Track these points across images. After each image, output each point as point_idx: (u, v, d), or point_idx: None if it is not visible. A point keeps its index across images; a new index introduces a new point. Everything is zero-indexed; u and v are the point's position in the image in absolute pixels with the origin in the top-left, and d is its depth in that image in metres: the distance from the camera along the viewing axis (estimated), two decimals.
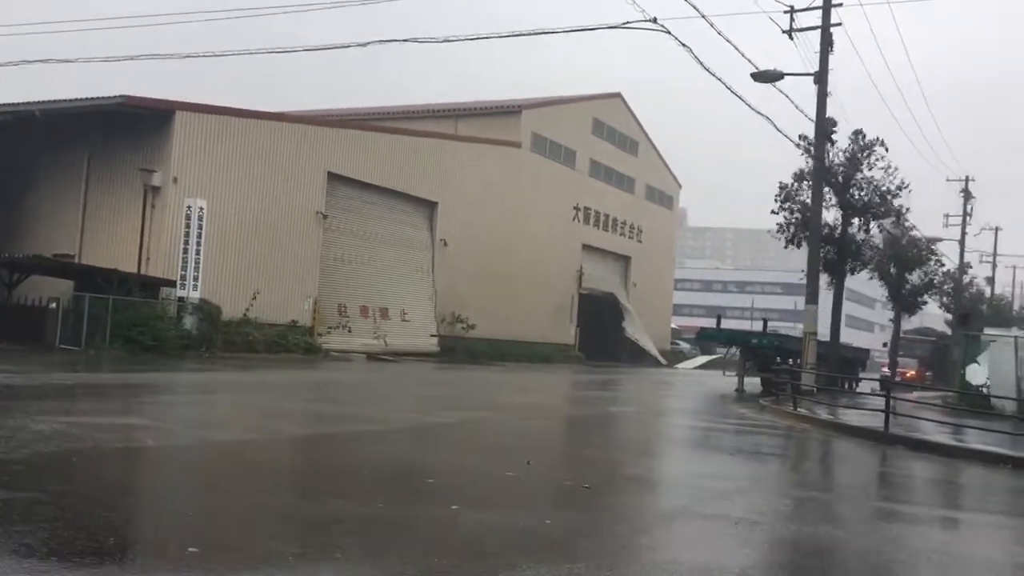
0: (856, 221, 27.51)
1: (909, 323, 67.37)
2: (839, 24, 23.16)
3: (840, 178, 26.60)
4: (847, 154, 27.19)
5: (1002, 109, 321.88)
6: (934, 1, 34.08)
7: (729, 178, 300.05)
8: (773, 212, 27.93)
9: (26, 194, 29.39)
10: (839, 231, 27.19)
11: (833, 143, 24.34)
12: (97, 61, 28.95)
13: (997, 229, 62.04)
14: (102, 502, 5.82)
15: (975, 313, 47.88)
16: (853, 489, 10.07)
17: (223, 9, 54.16)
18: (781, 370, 19.82)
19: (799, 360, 23.19)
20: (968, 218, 49.60)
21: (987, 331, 22.09)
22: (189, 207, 26.76)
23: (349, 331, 33.56)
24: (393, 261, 36.70)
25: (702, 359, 61.66)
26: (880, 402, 20.85)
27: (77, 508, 5.59)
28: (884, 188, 27.22)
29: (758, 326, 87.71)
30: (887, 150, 26.84)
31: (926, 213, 43.82)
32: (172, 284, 26.61)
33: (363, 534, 5.59)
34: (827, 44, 22.57)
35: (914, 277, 33.30)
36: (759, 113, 20.46)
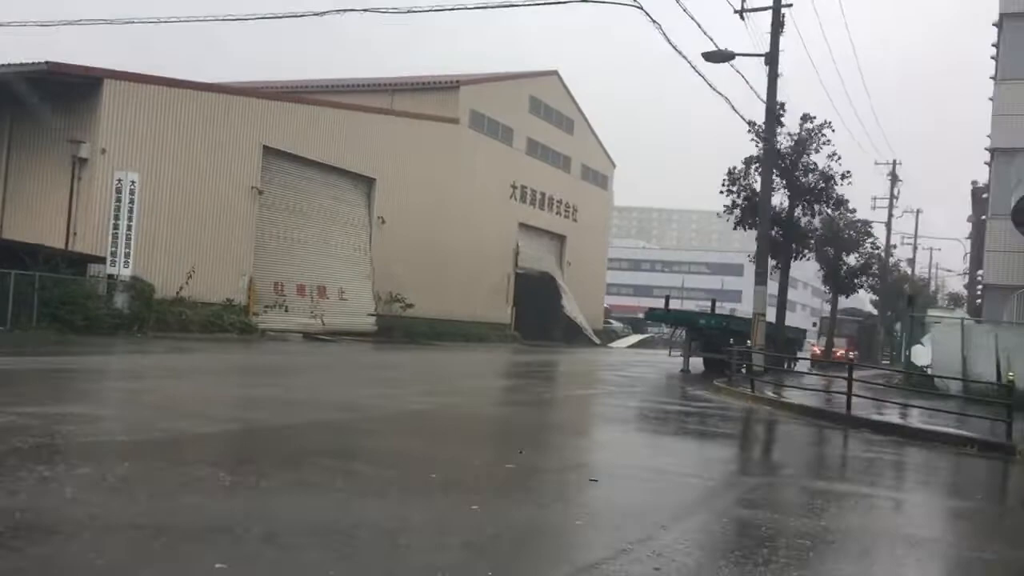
0: (802, 205, 27.68)
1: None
2: (790, 4, 23.11)
3: (787, 162, 26.71)
4: (794, 138, 27.32)
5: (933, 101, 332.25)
6: None
7: (666, 157, 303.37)
8: (721, 193, 27.94)
9: None
10: (785, 214, 27.32)
11: (782, 125, 24.37)
12: (32, 25, 27.31)
13: (918, 211, 63.83)
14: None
15: (902, 293, 48.97)
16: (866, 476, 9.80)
17: None
18: (734, 351, 19.77)
19: (747, 341, 23.22)
20: (895, 200, 50.66)
21: (931, 313, 22.42)
22: (119, 180, 25.51)
23: (286, 310, 32.65)
24: (331, 238, 35.77)
25: (635, 338, 62.10)
26: (827, 382, 21.15)
27: None
28: (830, 173, 27.47)
29: (689, 305, 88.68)
30: (834, 130, 27.04)
31: (855, 196, 44.65)
32: (102, 261, 25.37)
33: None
34: (778, 25, 22.47)
35: (851, 259, 33.81)
36: (718, 92, 20.29)
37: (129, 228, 25.56)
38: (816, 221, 28.29)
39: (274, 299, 32.61)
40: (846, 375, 15.20)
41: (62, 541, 4.44)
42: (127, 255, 25.55)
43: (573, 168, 55.50)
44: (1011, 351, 18.16)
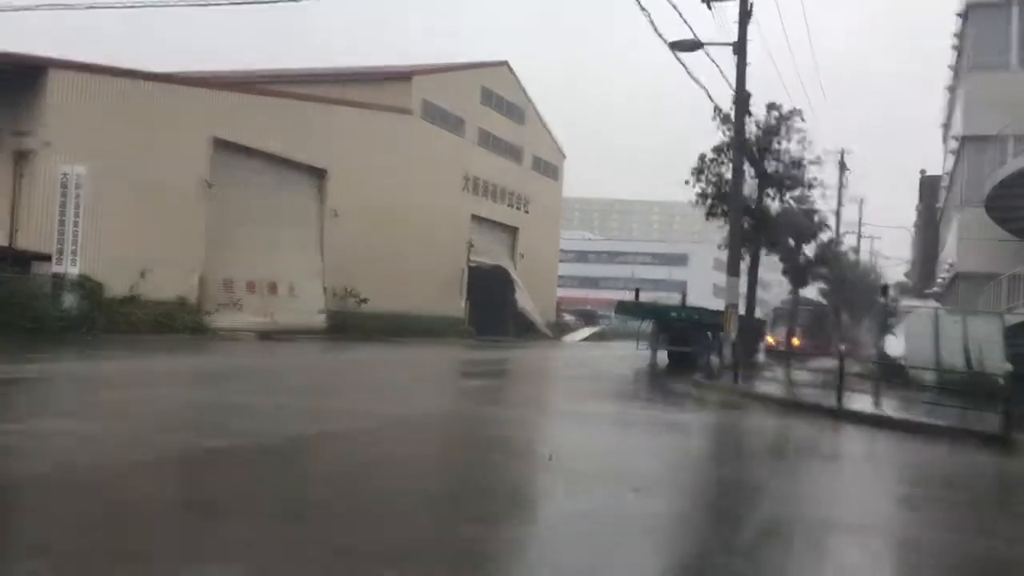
0: (771, 193, 27.65)
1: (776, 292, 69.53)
2: None
3: (755, 149, 26.60)
4: (761, 127, 27.23)
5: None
6: None
7: (621, 149, 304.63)
8: (687, 183, 27.74)
9: None
10: (756, 204, 27.22)
11: (750, 115, 24.22)
12: None
13: (861, 201, 64.93)
14: None
15: (851, 283, 49.54)
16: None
17: None
18: (712, 346, 19.58)
19: (720, 333, 23.05)
20: (843, 190, 51.19)
21: (903, 303, 22.49)
22: (65, 174, 24.45)
23: (240, 308, 31.71)
24: (281, 233, 34.77)
25: (587, 331, 61.97)
26: (803, 375, 21.08)
27: None
28: (800, 160, 27.51)
29: (631, 296, 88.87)
30: (804, 120, 27.07)
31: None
32: (47, 259, 24.32)
33: None
34: (746, 14, 22.24)
35: (809, 249, 33.94)
36: (696, 81, 20.00)
37: (76, 224, 24.54)
38: (776, 206, 28.20)
39: (227, 297, 31.66)
40: (817, 366, 15.02)
41: None
42: (74, 252, 24.55)
43: (524, 159, 55.12)
44: (980, 340, 18.20)
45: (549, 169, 59.17)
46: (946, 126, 36.15)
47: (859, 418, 13.46)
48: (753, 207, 26.60)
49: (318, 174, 36.56)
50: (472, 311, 48.15)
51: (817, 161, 28.02)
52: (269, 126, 33.37)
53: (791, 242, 31.18)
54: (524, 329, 52.74)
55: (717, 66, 20.42)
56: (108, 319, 25.06)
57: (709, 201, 26.80)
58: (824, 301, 53.87)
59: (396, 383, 16.87)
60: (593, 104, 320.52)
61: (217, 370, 17.02)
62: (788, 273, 35.09)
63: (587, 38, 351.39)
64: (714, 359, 26.95)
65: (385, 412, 11.14)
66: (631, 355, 31.05)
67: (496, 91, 50.85)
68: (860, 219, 65.20)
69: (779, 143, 27.19)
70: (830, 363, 28.65)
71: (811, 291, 68.13)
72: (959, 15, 25.47)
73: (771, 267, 44.87)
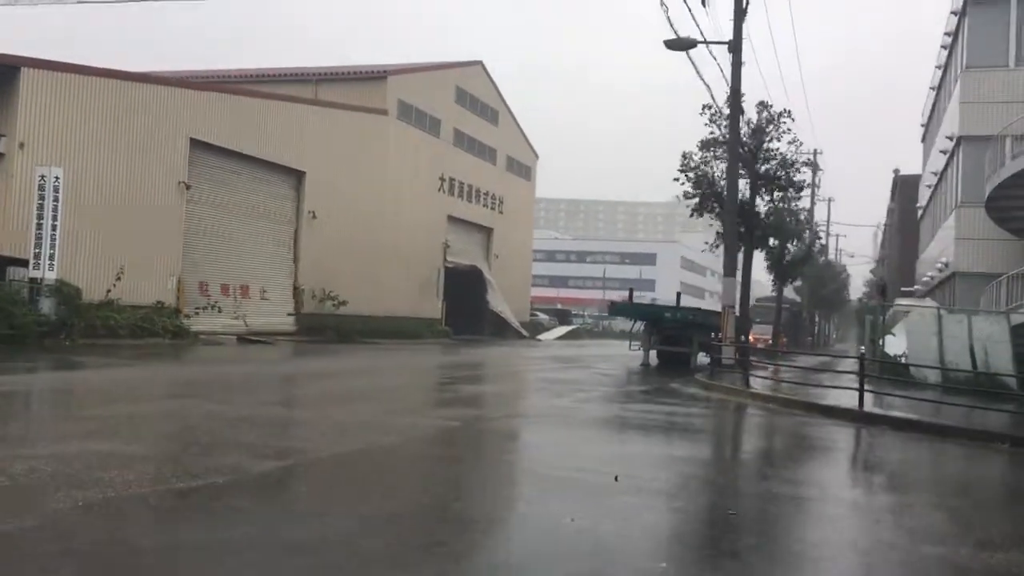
0: (762, 193, 27.52)
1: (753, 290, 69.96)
2: None
3: (747, 148, 26.46)
4: (752, 126, 27.11)
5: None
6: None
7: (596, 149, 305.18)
8: (676, 180, 27.51)
9: None
10: (747, 204, 27.06)
11: (742, 112, 24.04)
12: None
13: (830, 200, 65.61)
14: None
15: (825, 280, 49.85)
16: None
17: None
18: (713, 345, 19.40)
19: (718, 334, 22.88)
20: (816, 189, 51.51)
21: (899, 302, 22.42)
22: (43, 176, 23.67)
23: (219, 311, 31.06)
24: (255, 235, 34.17)
25: (562, 329, 61.82)
26: (793, 373, 20.82)
27: None
28: (790, 160, 27.42)
29: (611, 295, 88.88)
30: (794, 120, 26.96)
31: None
32: (24, 264, 23.51)
33: None
34: (741, 12, 22.10)
35: (794, 248, 33.92)
36: (702, 80, 19.77)
37: (54, 228, 23.78)
38: (763, 207, 28.08)
39: (205, 300, 31.01)
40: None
41: None
42: (51, 257, 23.76)
43: (499, 159, 54.77)
44: (986, 340, 18.16)
45: (522, 169, 58.88)
46: (926, 126, 36.38)
47: (886, 421, 13.22)
48: (745, 208, 26.47)
49: (296, 175, 35.93)
50: (449, 311, 47.73)
51: (808, 163, 27.96)
52: (247, 126, 32.73)
53: (772, 241, 31.07)
54: (500, 328, 52.47)
55: (717, 61, 20.18)
56: (86, 324, 24.32)
57: (696, 200, 26.56)
58: (798, 299, 54.17)
59: (393, 386, 16.46)
60: (557, 104, 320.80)
61: (215, 378, 16.47)
62: (773, 271, 35.06)
63: (544, 37, 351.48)
64: (704, 359, 26.86)
65: (408, 423, 10.73)
66: (618, 354, 30.86)
67: (470, 91, 50.46)
68: (829, 218, 65.87)
69: (770, 143, 27.08)
70: (814, 360, 28.70)
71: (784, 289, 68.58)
72: (954, 13, 25.51)
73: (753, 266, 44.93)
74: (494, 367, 23.26)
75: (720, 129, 25.77)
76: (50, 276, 23.67)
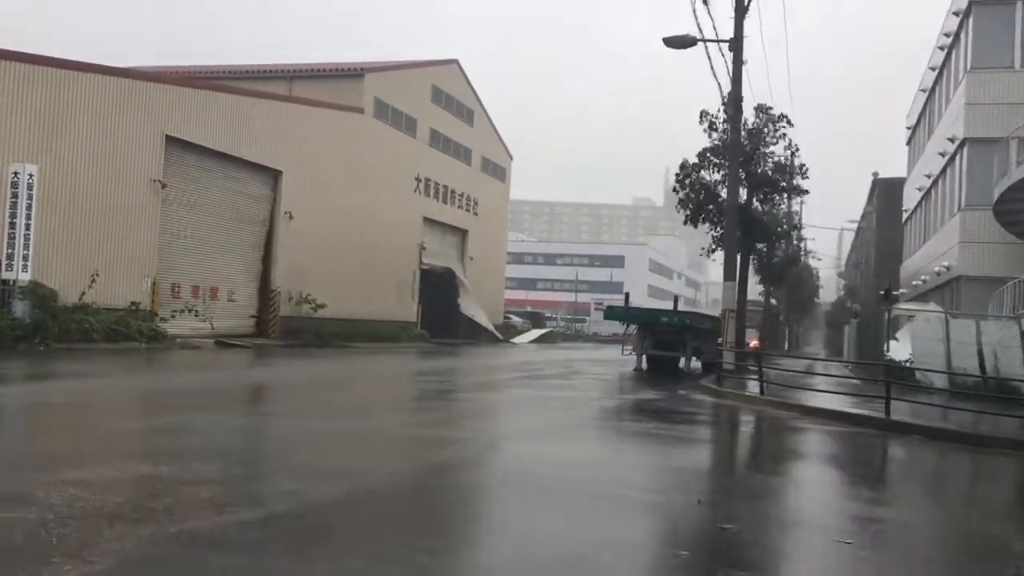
0: (759, 196, 27.17)
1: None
2: None
3: (745, 148, 26.05)
4: (747, 128, 26.71)
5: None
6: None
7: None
8: (674, 191, 27.09)
9: None
10: (744, 206, 26.67)
11: (741, 112, 23.62)
12: None
13: (803, 202, 65.46)
14: None
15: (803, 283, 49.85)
16: None
17: None
18: (717, 350, 18.95)
19: (716, 339, 22.45)
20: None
21: (900, 306, 22.15)
22: (16, 173, 22.66)
23: (196, 314, 30.14)
24: (228, 235, 33.24)
25: (535, 332, 61.30)
26: (818, 380, 20.32)
27: None
28: (785, 164, 27.12)
29: (584, 297, 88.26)
30: (792, 125, 26.65)
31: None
32: None
33: None
34: (742, 9, 21.73)
35: (781, 251, 33.68)
36: (715, 77, 19.33)
37: (28, 227, 22.79)
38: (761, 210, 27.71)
39: (182, 303, 30.09)
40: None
41: None
42: (25, 257, 22.78)
43: (474, 160, 54.13)
44: (996, 345, 17.92)
45: (497, 171, 58.31)
46: (913, 128, 36.32)
47: (918, 431, 12.78)
48: (743, 213, 26.07)
49: (272, 175, 35.03)
50: (424, 314, 47.02)
51: (802, 171, 27.72)
52: (223, 124, 31.84)
53: (759, 245, 30.74)
54: (474, 332, 51.83)
55: (711, 61, 19.78)
56: (60, 328, 23.34)
57: (692, 206, 26.12)
58: (773, 302, 54.11)
59: (399, 395, 15.84)
60: (520, 105, 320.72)
61: (217, 386, 15.65)
62: (761, 274, 34.79)
63: (503, 37, 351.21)
64: (695, 364, 26.45)
65: (461, 436, 10.10)
66: (605, 358, 30.39)
67: (446, 90, 49.79)
68: (800, 220, 65.89)
69: (769, 147, 26.75)
70: (803, 364, 28.37)
71: (755, 292, 68.63)
72: (955, 13, 25.32)
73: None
74: (484, 376, 22.49)
75: (716, 134, 25.41)
76: (24, 277, 22.71)
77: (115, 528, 4.91)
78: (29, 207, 22.74)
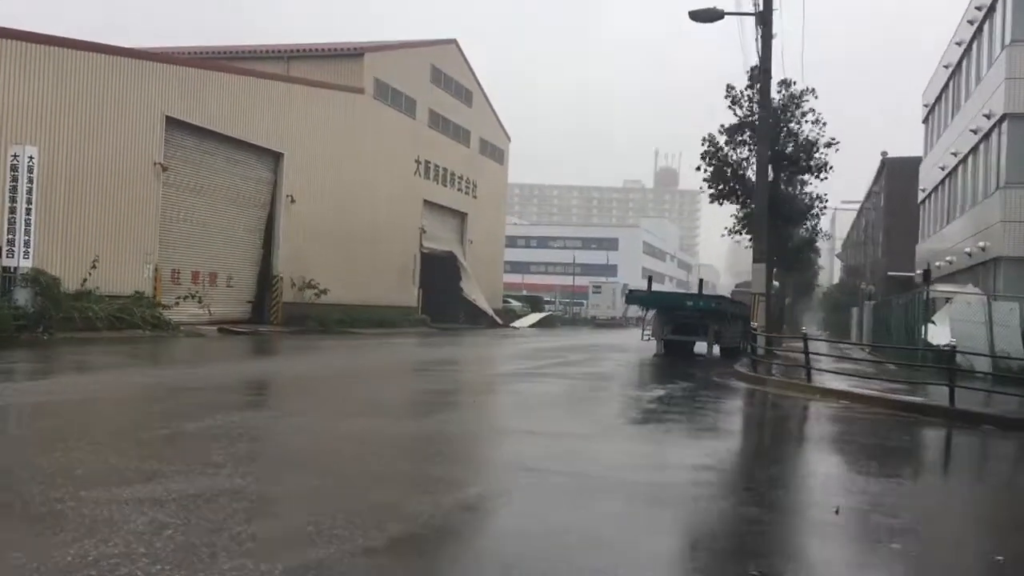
0: (784, 175, 26.50)
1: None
2: None
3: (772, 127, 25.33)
4: (774, 106, 25.98)
5: None
6: None
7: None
8: (698, 169, 26.33)
9: None
10: (772, 184, 25.93)
11: (768, 87, 22.83)
12: None
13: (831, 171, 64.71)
14: None
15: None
16: None
17: None
18: (732, 335, 18.28)
19: (747, 323, 21.80)
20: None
21: (937, 288, 21.50)
22: (16, 156, 21.73)
23: (199, 301, 29.34)
24: (229, 219, 32.38)
25: (535, 316, 60.63)
26: (846, 365, 19.44)
27: None
28: (813, 140, 26.41)
29: (581, 280, 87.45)
30: (817, 98, 25.93)
31: None
32: None
33: None
34: None
35: (799, 232, 32.98)
36: (755, 51, 18.55)
37: (28, 212, 21.89)
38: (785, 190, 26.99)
39: (184, 290, 29.28)
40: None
41: None
42: (27, 243, 21.89)
43: (472, 142, 53.25)
44: None
45: (496, 153, 57.46)
46: (931, 105, 35.63)
47: (989, 420, 12.14)
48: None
49: (274, 157, 34.13)
50: (425, 299, 46.27)
51: (832, 143, 26.89)
52: (224, 105, 30.94)
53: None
54: (474, 316, 51.16)
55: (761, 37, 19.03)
56: (63, 316, 22.51)
57: (722, 185, 25.36)
58: (775, 283, 53.48)
59: (444, 387, 15.11)
60: (511, 90, 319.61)
61: (244, 378, 14.87)
62: (779, 256, 34.09)
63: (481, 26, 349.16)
64: (716, 350, 25.75)
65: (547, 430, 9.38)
66: (620, 343, 29.74)
67: (445, 71, 48.87)
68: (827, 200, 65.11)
69: (796, 123, 26.02)
70: (818, 347, 27.75)
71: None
72: None
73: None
74: (504, 367, 21.55)
75: (741, 111, 24.69)
76: (25, 264, 21.84)
77: (220, 562, 4.18)
78: (29, 191, 21.84)
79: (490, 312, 52.71)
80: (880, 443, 10.52)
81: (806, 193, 29.39)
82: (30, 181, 21.85)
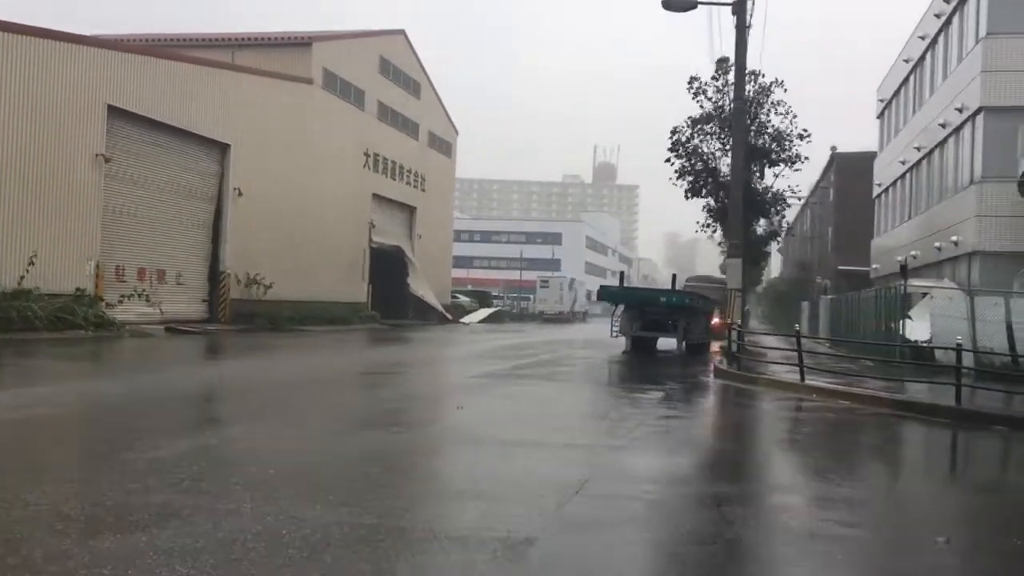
0: (756, 168, 26.11)
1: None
2: None
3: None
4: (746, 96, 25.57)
5: None
6: None
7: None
8: (667, 162, 25.81)
9: None
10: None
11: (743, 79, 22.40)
12: None
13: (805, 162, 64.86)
14: None
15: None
16: None
17: None
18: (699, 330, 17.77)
19: (726, 318, 21.37)
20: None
21: (913, 283, 21.28)
22: None
23: (147, 300, 28.02)
24: (175, 214, 31.00)
25: (484, 312, 59.89)
26: (824, 360, 19.10)
27: None
28: (785, 132, 26.10)
29: (528, 275, 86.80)
30: (786, 91, 25.61)
31: None
32: None
33: None
34: None
35: (761, 226, 32.67)
36: (746, 42, 18.02)
37: None
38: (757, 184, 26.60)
39: (129, 287, 27.93)
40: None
41: None
42: None
43: (421, 135, 52.27)
44: None
45: (444, 146, 56.54)
46: (888, 100, 35.64)
47: (999, 420, 11.78)
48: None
49: (220, 148, 32.82)
50: (374, 294, 45.23)
51: (804, 136, 26.61)
52: (169, 94, 29.58)
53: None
54: (423, 312, 50.25)
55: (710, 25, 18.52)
56: (1, 316, 21.19)
57: (693, 178, 24.87)
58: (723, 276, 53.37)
59: (430, 389, 14.33)
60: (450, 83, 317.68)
61: (211, 384, 13.90)
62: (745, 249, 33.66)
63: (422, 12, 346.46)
64: (683, 345, 25.25)
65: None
66: (577, 339, 29.21)
67: (393, 62, 47.80)
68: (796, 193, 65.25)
69: (766, 115, 25.67)
70: (786, 342, 27.45)
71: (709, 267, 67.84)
72: None
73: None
74: (496, 363, 20.69)
75: (709, 103, 24.24)
76: None
77: None
78: None
79: (439, 308, 51.87)
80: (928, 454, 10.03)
81: (777, 188, 29.08)
82: None
